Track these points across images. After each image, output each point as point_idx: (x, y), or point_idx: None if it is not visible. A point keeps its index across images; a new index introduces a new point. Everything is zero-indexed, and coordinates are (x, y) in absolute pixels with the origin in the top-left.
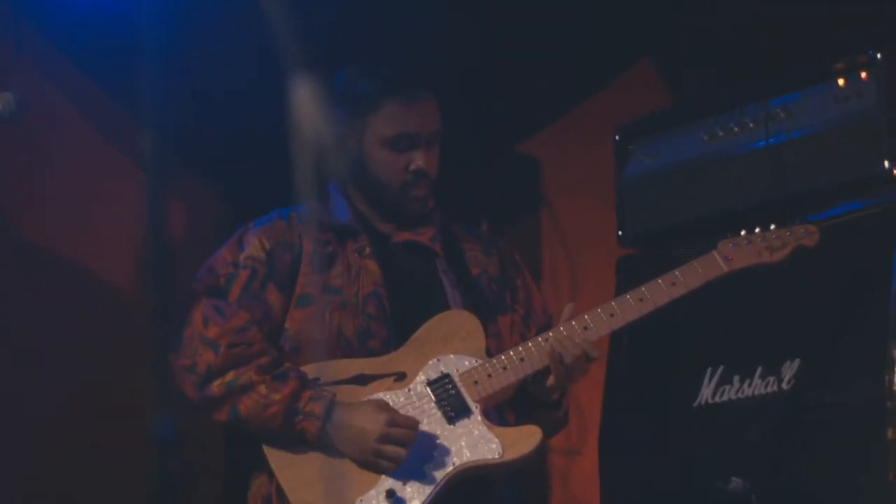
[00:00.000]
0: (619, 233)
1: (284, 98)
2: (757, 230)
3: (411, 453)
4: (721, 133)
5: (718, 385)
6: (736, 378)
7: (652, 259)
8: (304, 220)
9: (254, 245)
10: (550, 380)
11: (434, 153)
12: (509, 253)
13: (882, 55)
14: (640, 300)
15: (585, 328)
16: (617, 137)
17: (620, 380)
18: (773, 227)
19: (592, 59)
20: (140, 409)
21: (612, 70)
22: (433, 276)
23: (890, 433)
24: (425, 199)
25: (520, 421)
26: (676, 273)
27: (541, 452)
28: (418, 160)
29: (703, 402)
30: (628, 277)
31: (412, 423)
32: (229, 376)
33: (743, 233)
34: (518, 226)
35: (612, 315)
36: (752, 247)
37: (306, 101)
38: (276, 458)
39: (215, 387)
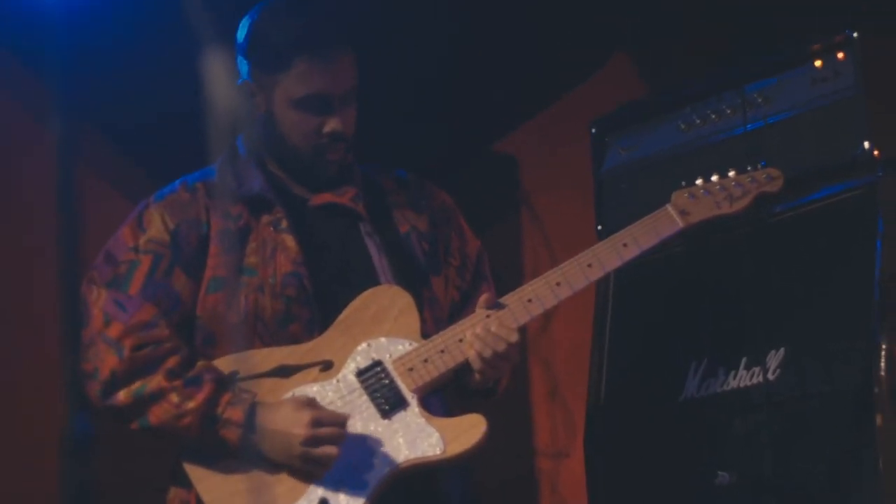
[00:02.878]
0: (599, 227)
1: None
2: (714, 177)
3: (344, 455)
4: (698, 121)
5: (703, 379)
6: (720, 370)
7: None
8: (212, 191)
9: (156, 225)
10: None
11: (350, 112)
12: (440, 199)
13: (858, 34)
14: (589, 266)
15: (530, 301)
16: (593, 131)
17: (604, 379)
18: (731, 173)
19: (568, 55)
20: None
21: (588, 65)
22: (357, 242)
23: (879, 420)
24: (342, 161)
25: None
26: (627, 233)
27: (486, 443)
28: (332, 123)
29: (688, 397)
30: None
31: (340, 420)
32: (136, 384)
33: (699, 181)
34: (498, 225)
35: (558, 284)
36: (711, 197)
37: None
38: (195, 470)
39: (121, 395)
